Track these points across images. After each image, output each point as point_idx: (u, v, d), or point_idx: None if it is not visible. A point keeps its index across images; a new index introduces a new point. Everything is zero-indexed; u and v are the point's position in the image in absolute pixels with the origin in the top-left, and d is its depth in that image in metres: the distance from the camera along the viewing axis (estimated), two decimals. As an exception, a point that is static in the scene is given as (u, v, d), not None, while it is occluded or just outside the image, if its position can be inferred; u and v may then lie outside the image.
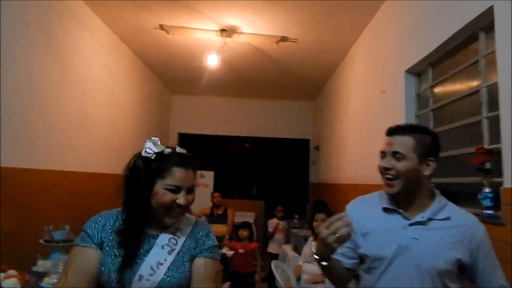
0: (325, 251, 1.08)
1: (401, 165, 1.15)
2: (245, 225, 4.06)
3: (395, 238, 1.15)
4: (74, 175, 3.54)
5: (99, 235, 1.10)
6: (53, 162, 3.20)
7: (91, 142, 3.93)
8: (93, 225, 1.12)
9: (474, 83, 2.09)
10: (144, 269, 1.06)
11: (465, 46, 2.20)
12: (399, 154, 1.16)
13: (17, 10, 2.66)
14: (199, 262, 1.14)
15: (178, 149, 1.16)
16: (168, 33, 4.10)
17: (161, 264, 1.08)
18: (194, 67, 5.19)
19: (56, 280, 1.55)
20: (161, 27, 4.00)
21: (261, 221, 6.32)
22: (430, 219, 1.16)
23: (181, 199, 1.10)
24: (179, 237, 1.14)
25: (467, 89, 2.16)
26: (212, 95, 7.02)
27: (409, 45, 2.75)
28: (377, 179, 3.31)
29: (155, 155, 1.10)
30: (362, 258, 1.23)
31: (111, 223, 1.13)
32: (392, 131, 1.21)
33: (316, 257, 1.12)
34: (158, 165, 1.10)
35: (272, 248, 4.93)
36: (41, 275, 1.66)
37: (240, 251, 3.82)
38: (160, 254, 1.10)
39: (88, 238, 1.09)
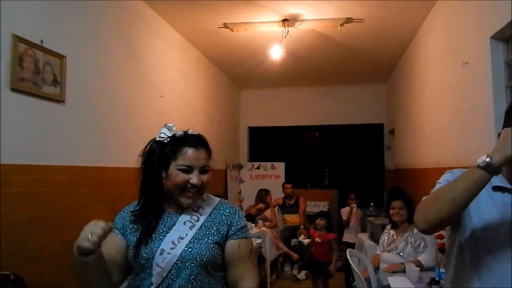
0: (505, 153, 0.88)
1: None
2: (322, 214, 4.03)
3: (508, 220, 0.98)
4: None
5: (122, 221, 1.18)
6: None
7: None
8: (121, 213, 1.22)
9: None
10: (165, 243, 1.10)
11: None
12: None
13: (104, 26, 3.00)
14: (234, 243, 1.17)
15: (190, 131, 1.19)
16: (232, 31, 4.22)
17: (182, 238, 1.11)
18: (259, 60, 5.27)
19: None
20: (225, 25, 4.13)
21: (335, 210, 6.21)
22: None
23: (194, 178, 1.11)
24: (201, 214, 1.16)
25: None
26: (279, 87, 7.05)
27: (494, 7, 2.43)
28: (467, 160, 3.01)
29: (168, 139, 1.15)
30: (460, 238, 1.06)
31: (133, 209, 1.19)
32: None
33: (487, 159, 0.89)
34: (171, 147, 1.14)
35: (347, 237, 4.82)
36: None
37: (317, 240, 3.81)
38: (182, 230, 1.12)
39: (115, 224, 1.18)
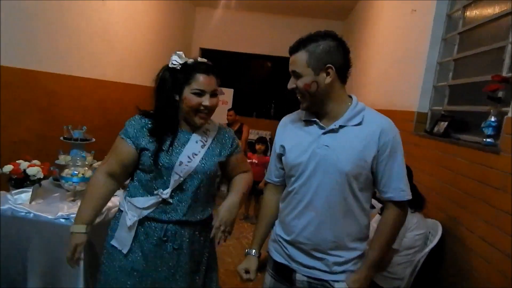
0: None
1: (300, 83, 1.19)
2: (262, 140, 4.32)
3: (310, 146, 1.21)
4: (97, 83, 3.69)
5: (134, 130, 1.31)
6: (75, 69, 3.33)
7: (111, 52, 3.98)
8: (131, 122, 1.34)
9: (508, 6, 1.89)
10: (183, 157, 1.30)
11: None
12: (295, 73, 1.19)
13: None
14: (235, 157, 1.47)
15: (200, 59, 1.34)
16: None
17: (196, 154, 1.33)
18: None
19: (75, 172, 1.75)
20: None
21: (277, 141, 6.48)
22: (342, 126, 1.19)
23: (206, 101, 1.28)
24: (208, 136, 1.39)
25: (499, 12, 1.97)
26: (237, 9, 6.68)
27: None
28: (394, 104, 3.24)
29: (180, 66, 1.29)
30: (286, 168, 1.31)
31: (148, 126, 1.32)
32: (291, 50, 1.21)
33: None
34: (183, 74, 1.28)
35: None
36: (62, 167, 1.88)
37: (254, 161, 4.11)
38: (195, 147, 1.34)
39: (127, 133, 1.31)
